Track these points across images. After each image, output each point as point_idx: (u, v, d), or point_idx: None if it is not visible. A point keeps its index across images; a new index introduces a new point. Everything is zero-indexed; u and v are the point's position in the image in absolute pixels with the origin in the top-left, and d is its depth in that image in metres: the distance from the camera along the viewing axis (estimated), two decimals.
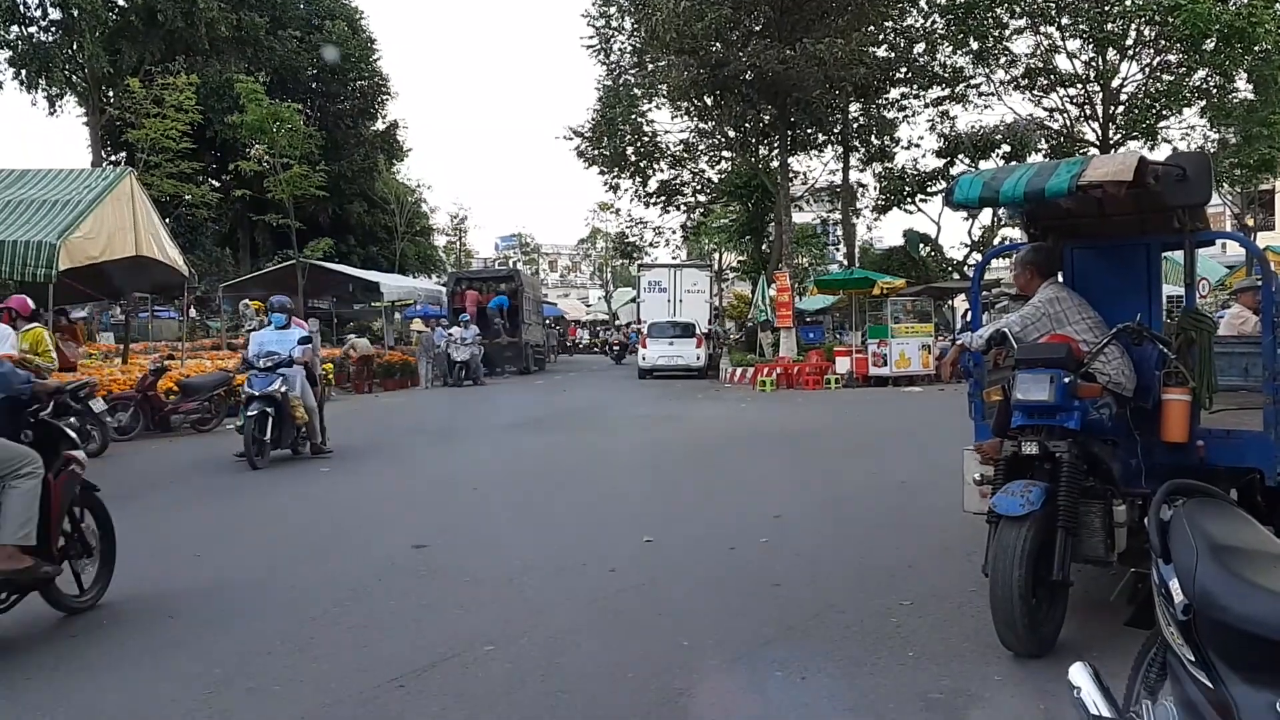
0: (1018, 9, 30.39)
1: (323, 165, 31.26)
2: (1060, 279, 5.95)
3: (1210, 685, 2.60)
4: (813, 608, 5.58)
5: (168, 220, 23.10)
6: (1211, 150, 30.59)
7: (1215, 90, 29.53)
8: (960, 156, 32.81)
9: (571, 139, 33.29)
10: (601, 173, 34.20)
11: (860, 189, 36.42)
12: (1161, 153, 31.21)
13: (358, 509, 9.12)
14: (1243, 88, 29.57)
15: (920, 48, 31.84)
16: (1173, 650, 2.86)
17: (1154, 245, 5.94)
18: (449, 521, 8.34)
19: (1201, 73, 29.33)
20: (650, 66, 29.29)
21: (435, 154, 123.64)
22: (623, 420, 16.81)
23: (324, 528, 8.26)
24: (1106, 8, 29.45)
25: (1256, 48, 27.52)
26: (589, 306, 73.15)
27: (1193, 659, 2.75)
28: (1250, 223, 34.88)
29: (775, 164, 30.84)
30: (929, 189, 33.86)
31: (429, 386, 25.38)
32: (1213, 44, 27.55)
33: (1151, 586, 3.12)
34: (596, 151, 33.10)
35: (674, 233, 40.24)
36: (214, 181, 33.22)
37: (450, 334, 26.39)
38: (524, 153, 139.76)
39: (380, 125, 41.60)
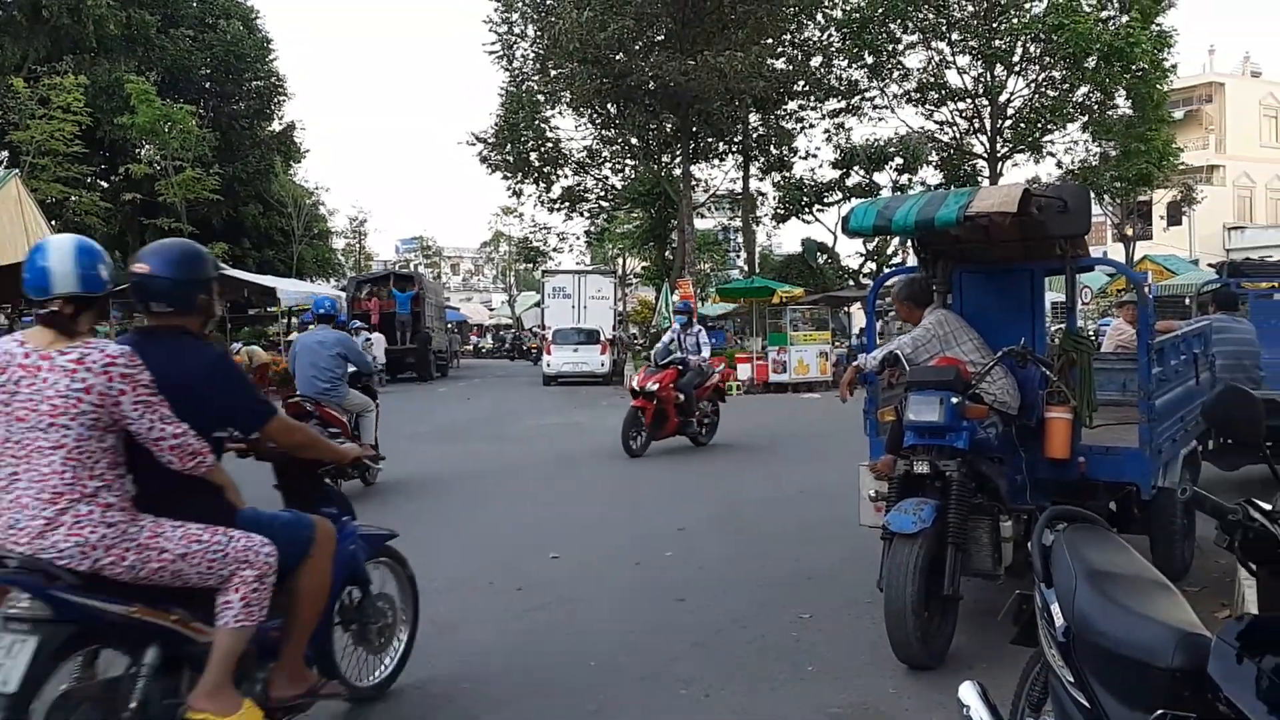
0: (910, 25, 31.38)
1: (217, 167, 30.48)
2: (946, 302, 6.22)
3: (1088, 705, 2.78)
4: (717, 623, 5.71)
5: (54, 223, 22.27)
6: (1093, 164, 32.00)
7: (1096, 106, 30.93)
8: (856, 168, 33.63)
9: (474, 144, 33.12)
10: (505, 178, 34.08)
11: (760, 197, 37.03)
12: (1046, 167, 32.59)
13: None
14: (1122, 104, 31.05)
15: (817, 61, 32.57)
16: (1054, 670, 3.04)
17: (1037, 271, 6.25)
18: None
19: (1084, 89, 30.71)
20: (554, 73, 29.32)
21: (334, 156, 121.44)
22: (527, 429, 16.78)
23: None
24: (995, 25, 30.61)
25: (1134, 67, 28.97)
26: (492, 310, 72.70)
27: (1072, 680, 2.94)
28: (1129, 232, 36.49)
29: (678, 172, 31.17)
30: (826, 199, 34.59)
31: None
32: (1094, 62, 28.88)
33: (1035, 607, 3.32)
34: (500, 157, 32.97)
35: (578, 238, 40.36)
36: (103, 184, 32.05)
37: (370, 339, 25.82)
38: (426, 155, 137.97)
39: (276, 126, 40.61)
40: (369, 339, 24.96)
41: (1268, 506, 2.46)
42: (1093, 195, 31.78)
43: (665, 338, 14.17)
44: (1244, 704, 2.12)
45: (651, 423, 12.85)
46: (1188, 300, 26.38)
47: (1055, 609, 3.06)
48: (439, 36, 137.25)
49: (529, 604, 6.15)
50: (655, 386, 12.77)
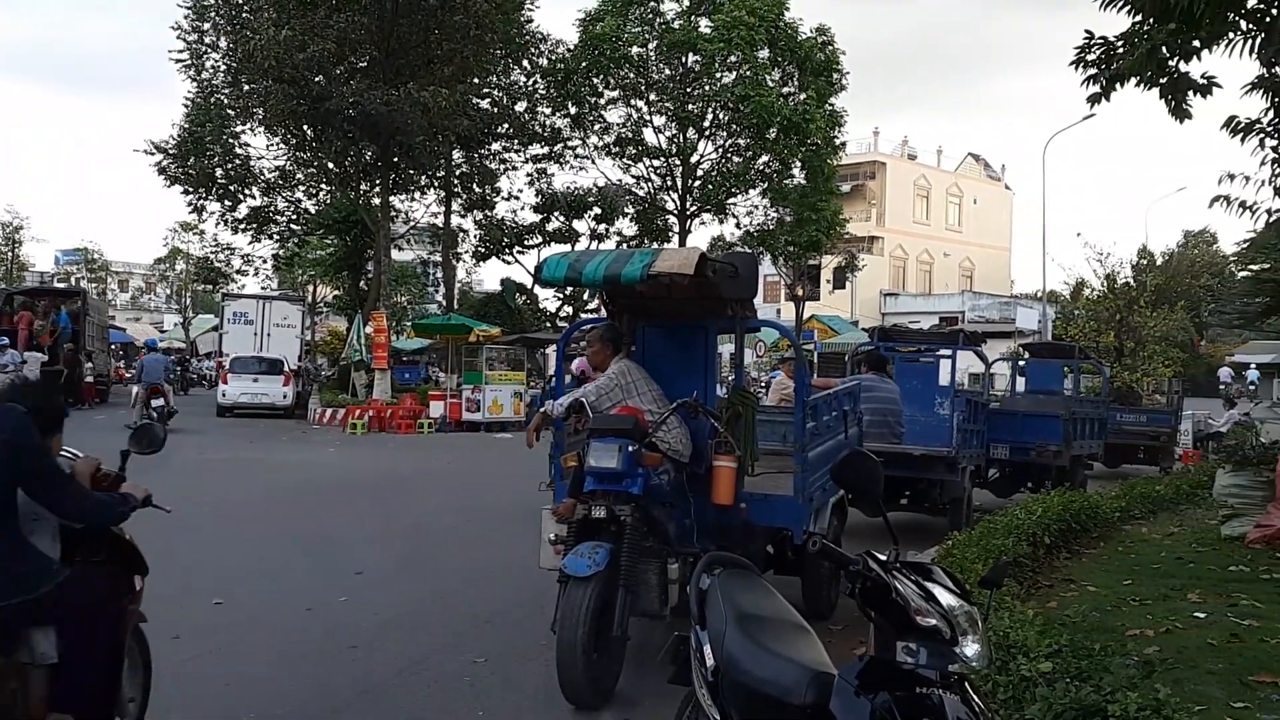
0: (612, 81, 32.72)
1: None
2: (630, 353, 6.53)
3: None
4: (391, 668, 5.62)
5: None
6: (770, 228, 34.55)
7: (775, 175, 33.50)
8: (556, 213, 34.42)
9: (153, 154, 30.75)
10: (186, 192, 31.86)
11: (462, 234, 36.97)
12: (729, 227, 34.85)
13: None
14: (798, 175, 33.76)
15: (522, 106, 33.13)
16: (703, 709, 3.26)
17: (711, 329, 6.69)
18: None
19: (765, 158, 33.22)
20: (247, 89, 27.92)
21: None
22: (197, 464, 15.70)
23: None
24: (688, 90, 32.53)
25: (810, 141, 31.72)
26: (164, 333, 67.53)
27: (718, 718, 3.16)
28: (800, 293, 39.60)
29: (377, 201, 30.53)
30: (527, 241, 35.11)
31: None
32: (775, 133, 31.37)
33: (690, 648, 3.54)
34: (181, 170, 30.83)
35: (265, 262, 38.38)
36: None
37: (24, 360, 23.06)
38: (96, 159, 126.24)
39: None
40: (22, 359, 22.47)
41: (884, 558, 2.78)
42: (768, 257, 34.44)
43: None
44: None
45: None
46: (847, 358, 28.97)
47: (707, 650, 3.29)
48: (112, 38, 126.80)
49: (185, 653, 5.76)
50: None
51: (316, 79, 25.62)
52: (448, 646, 6.08)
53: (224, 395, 26.31)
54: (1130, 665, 4.53)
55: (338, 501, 12.30)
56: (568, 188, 34.83)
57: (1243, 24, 9.81)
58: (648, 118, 33.49)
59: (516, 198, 35.90)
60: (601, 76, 32.39)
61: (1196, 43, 9.74)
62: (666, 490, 5.84)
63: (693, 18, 32.35)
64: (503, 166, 34.88)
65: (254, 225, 33.96)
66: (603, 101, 33.39)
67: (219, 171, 31.71)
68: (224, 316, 31.74)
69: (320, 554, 8.96)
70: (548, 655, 5.33)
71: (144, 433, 4.45)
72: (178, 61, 29.84)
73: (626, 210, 35.16)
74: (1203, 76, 10.14)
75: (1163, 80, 10.06)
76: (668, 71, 32.81)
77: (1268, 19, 9.82)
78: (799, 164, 33.08)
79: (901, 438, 10.62)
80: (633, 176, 34.93)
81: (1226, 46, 9.90)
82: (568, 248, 30.60)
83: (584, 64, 31.81)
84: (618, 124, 33.80)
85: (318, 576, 7.90)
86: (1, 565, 3.41)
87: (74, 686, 3.63)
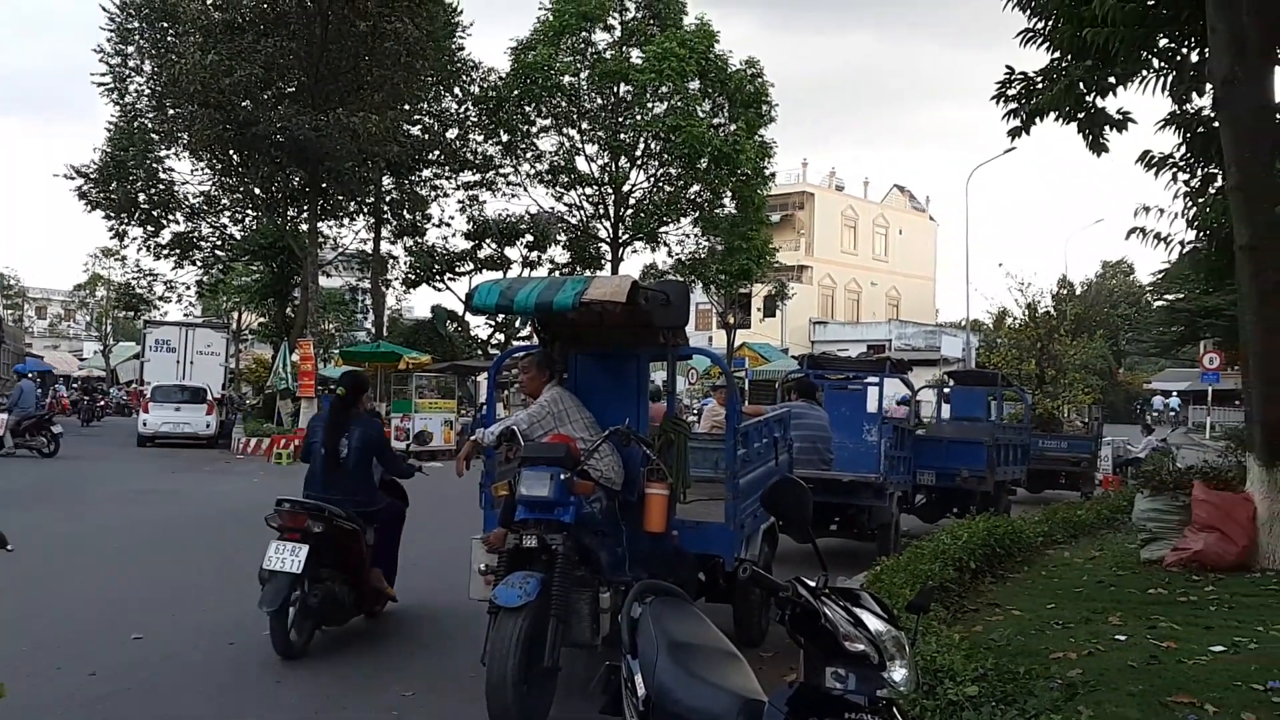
0: (544, 109, 32.80)
1: None
2: (562, 381, 6.51)
3: None
4: (316, 703, 5.51)
5: None
6: (701, 256, 34.82)
7: (706, 204, 33.78)
8: (488, 240, 34.31)
9: (74, 179, 30.01)
10: (108, 217, 31.13)
11: (391, 260, 36.65)
12: (661, 256, 35.05)
13: None
14: (729, 204, 34.10)
15: (454, 133, 33.04)
16: None
17: (643, 356, 6.70)
18: None
19: (696, 187, 33.50)
20: (172, 113, 27.37)
21: None
22: (115, 494, 15.26)
23: None
24: (620, 120, 32.73)
25: (740, 171, 32.08)
26: (83, 361, 65.69)
27: None
28: (731, 321, 39.92)
29: (304, 227, 30.13)
30: (458, 268, 34.93)
31: None
32: (706, 163, 31.68)
33: (621, 677, 3.52)
34: (103, 195, 30.12)
35: (189, 288, 37.60)
36: None
37: None
38: (15, 186, 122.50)
39: None
40: None
41: (813, 584, 2.80)
42: (700, 285, 34.66)
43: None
44: None
45: None
46: (777, 385, 29.23)
47: (638, 679, 3.27)
48: (24, 58, 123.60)
49: (102, 690, 5.58)
50: None
51: (243, 104, 25.25)
52: (375, 679, 5.96)
53: (145, 425, 25.66)
54: (1054, 688, 4.61)
55: (262, 533, 11.96)
56: (500, 215, 34.79)
57: (1155, 62, 10.22)
58: (580, 146, 33.62)
59: (448, 224, 35.80)
60: (534, 105, 32.46)
61: (1112, 79, 10.12)
62: (599, 519, 5.82)
63: (624, 48, 32.65)
64: (434, 193, 34.75)
65: (178, 251, 33.32)
66: (535, 129, 33.46)
67: (142, 196, 31.07)
68: (146, 344, 31.02)
69: (244, 586, 8.70)
70: (477, 687, 5.25)
71: None
72: (100, 85, 29.23)
73: (559, 238, 35.20)
74: (1118, 112, 10.52)
75: (1080, 115, 10.42)
76: (600, 101, 32.99)
77: (1178, 57, 10.23)
78: (729, 194, 33.44)
79: (831, 464, 10.74)
80: (565, 204, 35.01)
81: (1140, 83, 10.30)
82: (499, 275, 30.53)
83: (516, 92, 31.85)
84: (550, 152, 33.89)
85: (241, 609, 7.68)
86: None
87: (379, 555, 7.24)
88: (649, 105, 32.15)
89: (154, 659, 6.29)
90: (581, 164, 33.80)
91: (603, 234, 35.04)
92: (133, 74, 29.34)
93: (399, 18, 24.65)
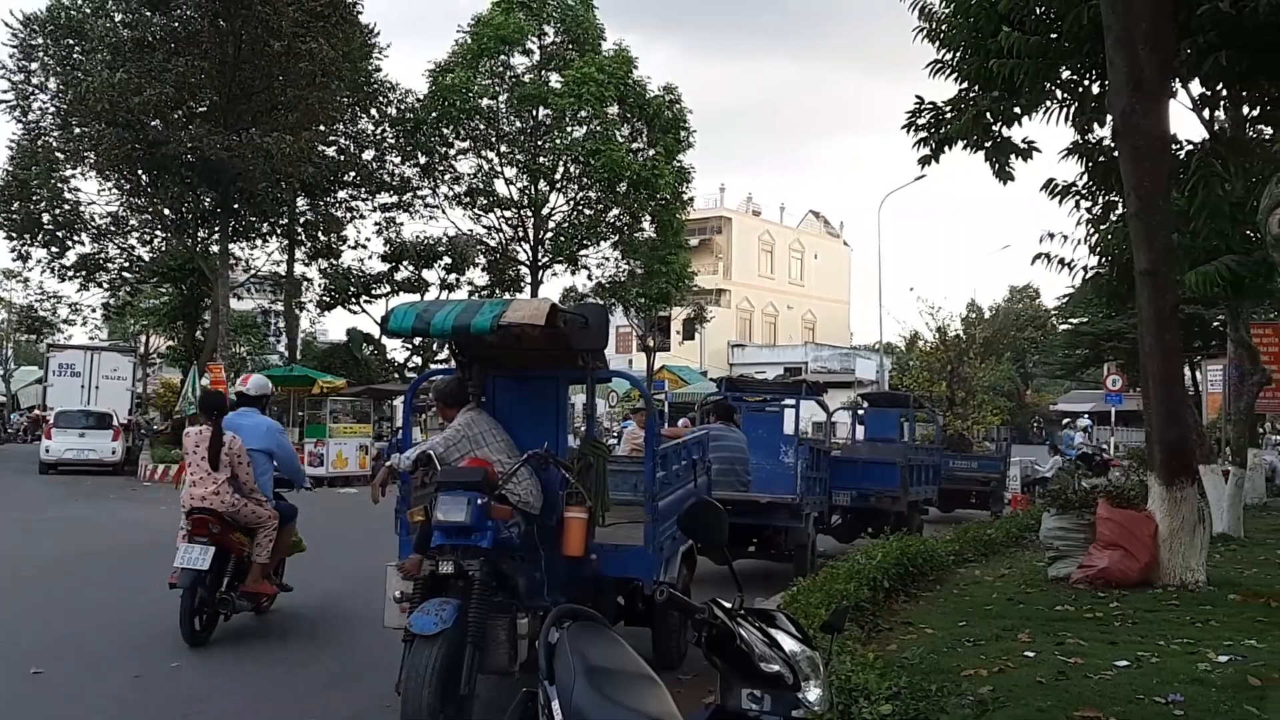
0: (462, 132, 32.68)
1: None
2: (480, 404, 6.45)
3: None
4: None
5: None
6: (621, 279, 34.94)
7: (626, 228, 33.96)
8: (405, 263, 33.99)
9: None
10: (9, 238, 30.12)
11: (306, 283, 36.02)
12: (581, 279, 35.08)
13: None
14: (648, 228, 34.33)
15: (370, 154, 32.70)
16: None
17: (562, 379, 6.69)
18: None
19: (615, 211, 33.65)
20: (78, 131, 26.62)
21: None
22: (18, 523, 14.67)
23: None
24: (539, 143, 32.77)
25: (658, 195, 32.33)
26: None
27: None
28: (651, 344, 40.06)
29: (215, 249, 29.49)
30: (374, 291, 34.51)
31: None
32: (625, 188, 31.89)
33: (538, 704, 3.48)
34: (4, 215, 29.13)
35: (94, 311, 36.52)
36: None
37: None
38: None
39: None
40: None
41: (729, 605, 2.81)
42: (619, 308, 34.76)
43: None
44: None
45: None
46: (696, 408, 29.41)
47: (556, 705, 3.23)
48: None
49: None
50: None
51: (153, 123, 24.72)
52: (287, 710, 5.82)
53: (48, 451, 24.75)
54: (965, 705, 4.70)
55: (168, 562, 11.62)
56: (417, 237, 34.52)
57: (1059, 93, 10.60)
58: (499, 169, 33.54)
59: (364, 246, 35.35)
60: (452, 127, 32.32)
61: (1017, 109, 10.47)
62: (517, 543, 5.76)
63: (543, 73, 32.74)
64: (350, 215, 34.31)
65: (83, 273, 32.35)
66: (453, 152, 33.31)
67: (46, 217, 30.16)
68: (49, 369, 30.11)
69: (149, 618, 8.44)
70: (393, 717, 5.16)
71: None
72: (1, 102, 28.32)
73: (477, 260, 35.02)
74: (1024, 141, 10.89)
75: (987, 144, 10.75)
76: (519, 124, 33.01)
77: (1080, 89, 10.63)
78: (648, 218, 33.68)
79: (748, 485, 10.82)
80: (484, 227, 34.88)
81: (1045, 114, 10.67)
82: (417, 297, 30.22)
83: (434, 114, 31.70)
84: (468, 174, 33.75)
85: (147, 642, 7.45)
86: None
87: None
88: (568, 129, 32.26)
89: (54, 694, 6.04)
90: (500, 187, 33.77)
91: (522, 256, 34.97)
92: (37, 91, 28.50)
93: (314, 38, 24.40)
